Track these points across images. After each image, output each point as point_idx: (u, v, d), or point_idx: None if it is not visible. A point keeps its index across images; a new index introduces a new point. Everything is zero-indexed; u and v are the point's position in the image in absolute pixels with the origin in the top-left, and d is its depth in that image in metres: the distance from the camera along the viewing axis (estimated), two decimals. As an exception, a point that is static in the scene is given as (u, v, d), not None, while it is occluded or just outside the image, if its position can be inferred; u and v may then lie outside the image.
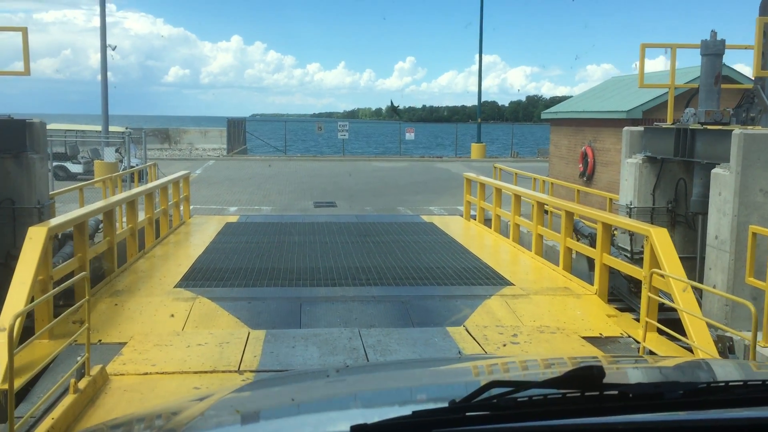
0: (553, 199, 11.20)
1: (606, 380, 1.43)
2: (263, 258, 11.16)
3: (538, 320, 8.08)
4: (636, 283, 8.91)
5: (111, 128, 22.60)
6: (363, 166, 32.74)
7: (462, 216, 16.52)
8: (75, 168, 23.34)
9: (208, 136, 45.33)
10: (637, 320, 8.19)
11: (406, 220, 15.94)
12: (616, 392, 1.43)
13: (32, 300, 6.79)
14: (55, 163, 23.36)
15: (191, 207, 17.77)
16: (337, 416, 1.80)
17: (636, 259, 9.47)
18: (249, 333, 7.31)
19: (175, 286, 9.17)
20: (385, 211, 18.38)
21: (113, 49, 21.98)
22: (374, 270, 10.39)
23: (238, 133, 42.70)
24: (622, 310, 8.77)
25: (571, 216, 10.20)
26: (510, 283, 9.69)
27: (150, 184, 12.69)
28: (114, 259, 9.64)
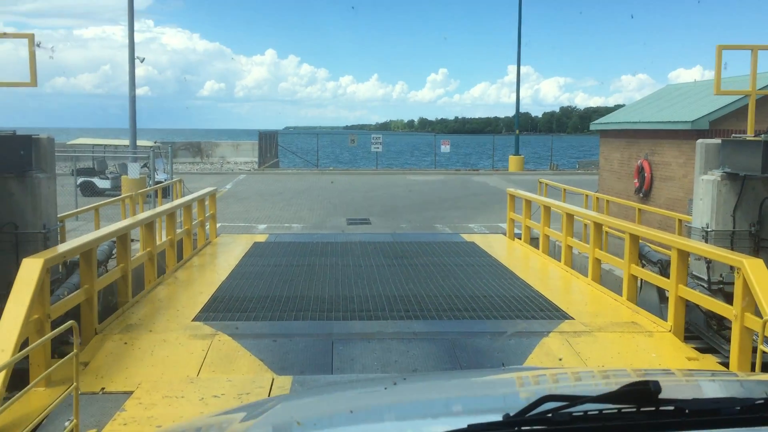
0: (614, 220, 10.03)
1: (663, 395, 1.42)
2: (292, 284, 10.21)
3: (607, 364, 6.95)
4: (718, 319, 7.73)
5: (139, 142, 21.96)
6: (397, 180, 31.76)
7: (505, 234, 15.41)
8: (103, 184, 22.78)
9: (240, 150, 44.88)
10: (724, 365, 7.03)
11: (445, 240, 14.88)
12: (672, 408, 1.42)
13: (27, 342, 5.93)
14: (81, 179, 22.88)
15: (218, 225, 16.98)
16: (393, 427, 1.82)
17: (714, 290, 8.28)
18: (273, 380, 6.33)
19: (193, 320, 8.24)
20: (422, 229, 17.34)
21: (141, 61, 21.38)
22: (414, 299, 9.36)
23: (270, 146, 42.11)
24: (701, 350, 7.59)
25: (636, 239, 9.04)
26: (568, 317, 8.57)
27: (171, 204, 11.84)
28: (128, 288, 8.75)
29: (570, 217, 11.56)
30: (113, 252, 9.15)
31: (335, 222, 18.60)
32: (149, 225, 10.01)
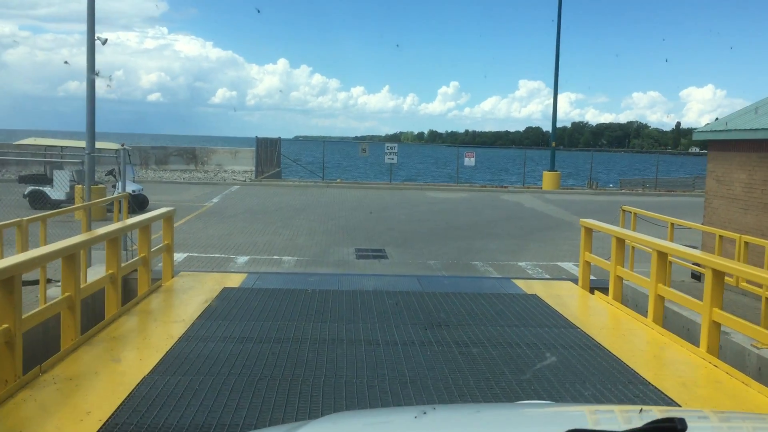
0: None
1: None
2: (259, 394, 5.83)
3: None
4: None
5: (101, 144, 17.69)
6: (416, 197, 27.35)
7: (575, 282, 11.01)
8: (57, 194, 18.45)
9: (238, 157, 40.56)
10: None
11: (494, 290, 10.44)
12: None
13: None
14: (30, 188, 18.59)
15: (185, 255, 12.65)
16: None
17: None
18: None
19: None
20: (456, 268, 12.94)
21: (103, 43, 17.14)
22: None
23: (271, 154, 37.81)
24: None
25: None
26: None
27: (71, 240, 7.43)
28: None
29: (719, 276, 7.12)
30: None
31: (341, 253, 14.22)
32: (7, 282, 5.63)
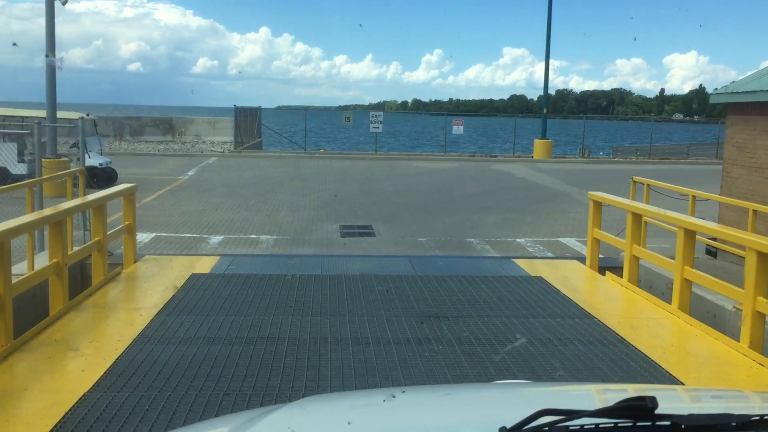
0: None
1: (660, 411, 1.43)
2: (226, 407, 4.80)
3: None
4: None
5: (63, 114, 16.36)
6: (402, 167, 26.19)
7: (581, 261, 10.02)
8: (18, 169, 17.10)
9: (217, 128, 39.10)
10: None
11: (495, 272, 9.40)
12: (668, 423, 1.45)
13: None
14: (-13, 163, 17.23)
15: (152, 236, 11.50)
16: None
17: None
18: None
19: None
20: (450, 247, 11.90)
21: (63, 4, 15.76)
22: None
23: (251, 124, 36.39)
24: None
25: None
26: None
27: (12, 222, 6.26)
28: None
29: (765, 259, 6.11)
30: None
31: (324, 231, 13.12)
32: None
